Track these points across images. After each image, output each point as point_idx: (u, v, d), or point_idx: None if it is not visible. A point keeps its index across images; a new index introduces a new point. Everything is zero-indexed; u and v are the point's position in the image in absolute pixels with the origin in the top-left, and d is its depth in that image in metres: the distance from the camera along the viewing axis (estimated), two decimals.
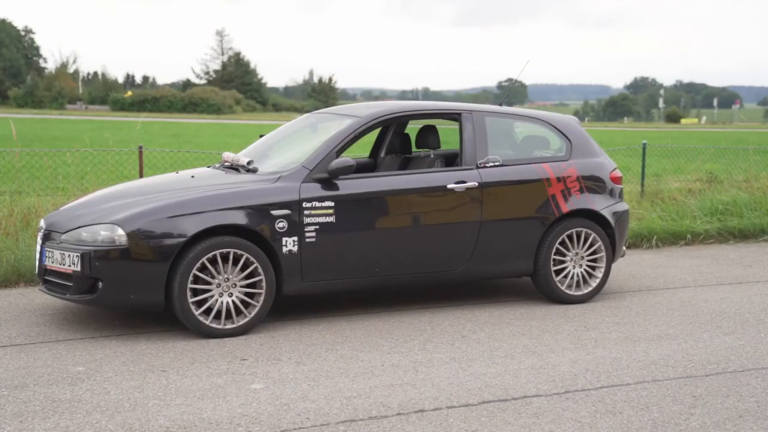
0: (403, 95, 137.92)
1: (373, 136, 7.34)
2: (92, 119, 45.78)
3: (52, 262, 5.53)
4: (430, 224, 6.06)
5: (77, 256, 5.31)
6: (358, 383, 4.56)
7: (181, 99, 71.02)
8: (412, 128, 7.06)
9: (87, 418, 4.00)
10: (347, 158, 5.86)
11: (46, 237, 5.66)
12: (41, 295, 6.45)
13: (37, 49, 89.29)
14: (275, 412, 4.12)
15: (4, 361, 4.87)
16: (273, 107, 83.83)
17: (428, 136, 6.59)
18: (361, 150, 9.16)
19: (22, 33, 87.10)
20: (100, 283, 5.29)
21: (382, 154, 7.28)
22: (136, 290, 5.30)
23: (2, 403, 4.18)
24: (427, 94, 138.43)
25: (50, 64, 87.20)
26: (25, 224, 7.96)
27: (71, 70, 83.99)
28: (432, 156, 6.59)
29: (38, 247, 5.73)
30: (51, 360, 4.91)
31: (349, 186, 5.82)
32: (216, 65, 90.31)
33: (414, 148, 6.89)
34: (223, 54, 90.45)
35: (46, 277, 5.66)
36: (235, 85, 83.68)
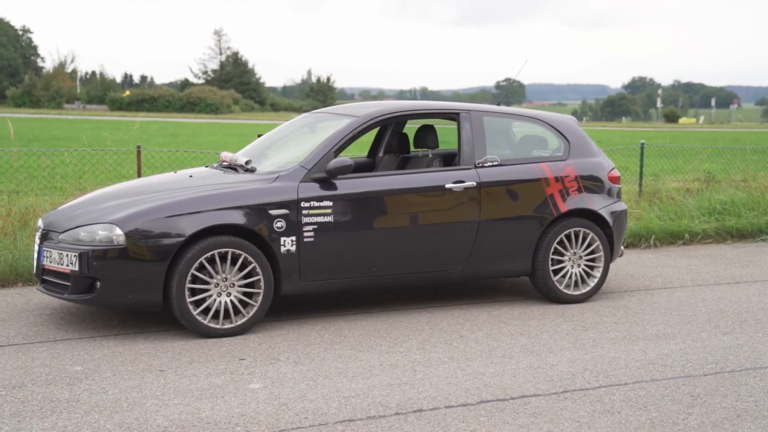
0: (401, 95, 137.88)
1: (371, 135, 7.34)
2: (90, 119, 45.75)
3: (50, 262, 5.52)
4: (428, 224, 6.06)
5: (75, 255, 5.30)
6: (356, 383, 4.56)
7: (179, 98, 71.03)
8: (410, 128, 7.06)
9: (85, 418, 4.00)
10: (345, 158, 5.85)
11: (44, 237, 5.66)
12: (39, 295, 6.44)
13: (34, 48, 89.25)
14: (273, 412, 4.12)
15: (2, 361, 4.86)
16: (271, 107, 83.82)
17: (426, 135, 6.58)
18: (360, 150, 9.16)
19: (20, 32, 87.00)
20: (98, 283, 5.28)
21: (381, 154, 7.28)
22: (134, 290, 5.29)
23: (0, 403, 4.17)
24: (425, 94, 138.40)
25: (48, 64, 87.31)
26: (23, 224, 7.96)
27: (69, 69, 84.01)
28: (430, 156, 6.59)
29: (36, 247, 5.73)
30: (49, 360, 4.91)
31: (347, 186, 5.82)
32: (214, 65, 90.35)
33: (412, 148, 6.89)
34: (221, 53, 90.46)
35: (44, 277, 5.66)
36: (233, 84, 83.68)
